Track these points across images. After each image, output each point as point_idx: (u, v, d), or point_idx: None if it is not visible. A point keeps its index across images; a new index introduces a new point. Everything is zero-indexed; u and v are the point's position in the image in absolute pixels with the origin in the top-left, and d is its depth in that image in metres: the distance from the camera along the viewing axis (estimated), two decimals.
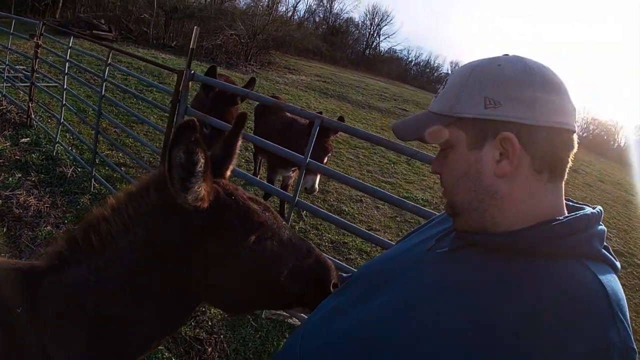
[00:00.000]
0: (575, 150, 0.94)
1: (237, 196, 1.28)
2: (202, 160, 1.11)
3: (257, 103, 6.11)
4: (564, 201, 0.96)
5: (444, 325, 0.86)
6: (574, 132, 0.92)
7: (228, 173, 1.43)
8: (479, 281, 0.89)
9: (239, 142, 1.46)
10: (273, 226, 1.28)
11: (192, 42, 3.44)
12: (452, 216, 1.04)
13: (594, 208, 0.95)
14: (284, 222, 1.35)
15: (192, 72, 3.54)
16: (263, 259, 1.24)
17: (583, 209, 0.96)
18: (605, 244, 0.91)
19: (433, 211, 2.60)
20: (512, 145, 0.89)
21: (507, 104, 0.89)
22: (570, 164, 0.94)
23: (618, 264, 0.90)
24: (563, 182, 0.95)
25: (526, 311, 0.79)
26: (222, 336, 3.31)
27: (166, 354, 3.01)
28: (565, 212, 0.94)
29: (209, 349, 3.16)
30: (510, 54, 0.97)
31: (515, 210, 0.92)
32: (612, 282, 0.83)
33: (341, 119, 4.22)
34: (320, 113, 2.95)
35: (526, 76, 0.90)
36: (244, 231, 1.22)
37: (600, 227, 0.92)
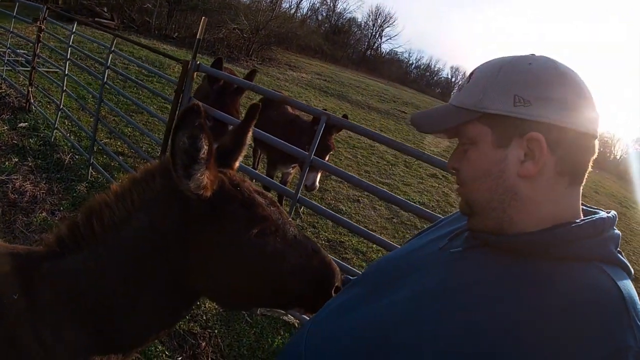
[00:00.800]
0: (595, 156, 0.93)
1: (242, 188, 1.25)
2: (206, 147, 1.09)
3: (259, 97, 6.07)
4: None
5: (456, 325, 0.85)
6: (596, 137, 0.91)
7: (236, 164, 1.41)
8: (493, 282, 0.88)
9: (250, 134, 1.44)
10: (277, 221, 1.26)
11: (199, 32, 3.41)
12: (467, 215, 1.02)
13: (608, 212, 0.94)
14: (289, 219, 1.33)
15: (198, 62, 3.51)
16: (264, 253, 1.22)
17: (597, 213, 0.95)
18: (619, 248, 0.90)
19: (434, 213, 2.58)
20: (539, 146, 0.87)
21: (537, 104, 0.87)
22: (589, 169, 0.93)
23: (631, 268, 0.89)
24: (581, 187, 0.94)
25: (542, 312, 0.78)
26: (216, 331, 3.28)
27: (159, 347, 2.98)
28: (582, 216, 0.93)
29: (203, 344, 3.13)
30: (537, 54, 0.95)
31: (535, 213, 0.91)
32: (628, 285, 0.82)
33: (345, 117, 4.20)
34: (325, 110, 2.92)
35: (557, 78, 0.88)
36: (247, 224, 1.20)
37: (615, 231, 0.91)
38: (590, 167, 0.93)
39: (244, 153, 1.44)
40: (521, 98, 0.88)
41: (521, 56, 0.94)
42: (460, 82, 1.03)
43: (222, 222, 1.19)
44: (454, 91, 1.05)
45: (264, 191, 1.32)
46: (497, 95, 0.90)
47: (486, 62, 0.98)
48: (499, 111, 0.90)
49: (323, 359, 1.00)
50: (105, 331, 1.20)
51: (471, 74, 0.99)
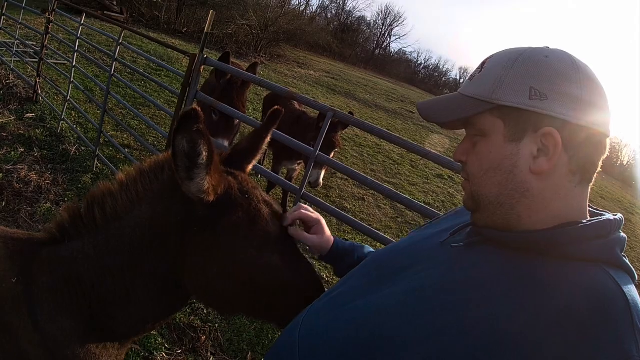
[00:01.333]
0: (606, 155, 0.90)
1: (251, 196, 1.23)
2: (205, 153, 1.06)
3: (267, 92, 6.06)
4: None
5: (452, 321, 0.83)
6: (609, 136, 0.88)
7: (249, 167, 1.39)
8: (495, 279, 0.85)
9: (268, 138, 1.42)
10: (278, 238, 1.25)
11: (207, 25, 3.39)
12: (472, 210, 0.98)
13: (614, 215, 0.91)
14: (293, 238, 1.31)
15: (205, 56, 3.49)
16: (258, 267, 1.20)
17: (603, 214, 0.92)
18: (623, 252, 0.87)
19: (439, 213, 2.56)
20: (554, 142, 0.84)
21: (553, 98, 0.84)
22: (599, 169, 0.90)
23: (635, 273, 0.86)
24: (590, 187, 0.91)
25: (546, 313, 0.76)
26: (216, 325, 3.28)
27: (159, 339, 2.98)
28: (588, 216, 0.90)
29: (203, 337, 3.13)
30: (551, 47, 0.92)
31: (543, 210, 0.88)
32: (633, 291, 0.79)
33: (351, 114, 4.19)
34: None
35: (574, 73, 0.85)
36: (247, 235, 1.19)
37: (621, 234, 0.88)
38: (600, 166, 0.90)
39: (258, 157, 1.42)
40: (537, 91, 0.85)
41: (536, 48, 0.91)
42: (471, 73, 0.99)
43: (222, 229, 1.18)
44: (465, 80, 1.01)
45: (272, 202, 1.30)
46: (512, 87, 0.87)
47: (499, 52, 0.94)
48: (513, 104, 0.86)
49: (317, 348, 0.98)
50: (101, 318, 1.20)
51: (483, 63, 0.95)
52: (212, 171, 1.10)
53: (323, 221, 1.40)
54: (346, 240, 1.45)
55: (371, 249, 1.45)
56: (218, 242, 1.17)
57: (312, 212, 1.39)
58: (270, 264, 1.21)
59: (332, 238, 1.40)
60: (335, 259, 1.40)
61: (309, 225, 1.40)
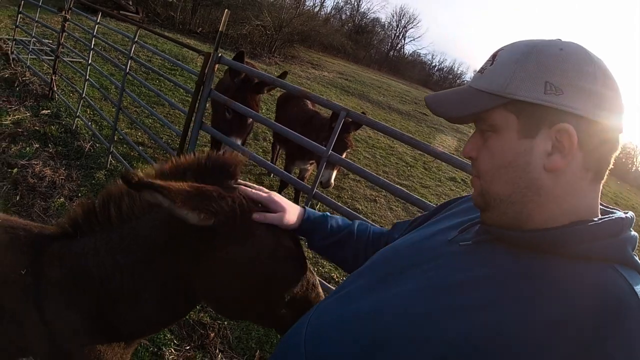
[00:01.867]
0: (618, 152, 0.87)
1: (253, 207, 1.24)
2: (160, 196, 1.04)
3: (280, 93, 6.07)
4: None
5: (458, 323, 0.81)
6: (622, 132, 0.86)
7: (238, 173, 1.32)
8: (502, 279, 0.83)
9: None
10: (286, 242, 1.26)
11: (222, 24, 3.40)
12: (481, 208, 0.96)
13: (625, 213, 0.88)
14: (294, 235, 1.32)
15: (220, 54, 3.51)
16: (272, 276, 1.21)
17: (614, 212, 0.89)
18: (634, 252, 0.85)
19: None
20: (569, 139, 0.81)
21: (569, 93, 0.81)
22: (611, 165, 0.88)
23: None
24: (602, 184, 0.89)
25: (553, 315, 0.74)
26: (225, 323, 3.28)
27: (168, 335, 2.99)
28: (599, 214, 0.88)
29: (212, 334, 3.13)
30: (563, 39, 0.89)
31: (555, 208, 0.85)
32: None
33: (363, 114, 4.18)
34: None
35: (590, 67, 0.82)
36: (257, 246, 1.20)
37: (632, 232, 0.85)
38: (612, 163, 0.87)
39: (240, 165, 1.32)
40: (552, 85, 0.82)
41: (550, 40, 0.88)
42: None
43: (233, 242, 1.18)
44: (475, 73, 0.99)
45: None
46: (526, 80, 0.84)
47: (511, 44, 0.91)
48: (528, 98, 0.83)
49: (323, 348, 0.97)
50: (108, 316, 1.20)
51: (494, 55, 0.92)
52: (185, 203, 1.07)
53: (276, 198, 1.30)
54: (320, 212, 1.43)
55: (348, 221, 1.46)
56: (229, 254, 1.17)
57: (261, 191, 1.30)
58: (281, 269, 1.22)
59: (299, 212, 1.37)
60: (306, 231, 1.38)
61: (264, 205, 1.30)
